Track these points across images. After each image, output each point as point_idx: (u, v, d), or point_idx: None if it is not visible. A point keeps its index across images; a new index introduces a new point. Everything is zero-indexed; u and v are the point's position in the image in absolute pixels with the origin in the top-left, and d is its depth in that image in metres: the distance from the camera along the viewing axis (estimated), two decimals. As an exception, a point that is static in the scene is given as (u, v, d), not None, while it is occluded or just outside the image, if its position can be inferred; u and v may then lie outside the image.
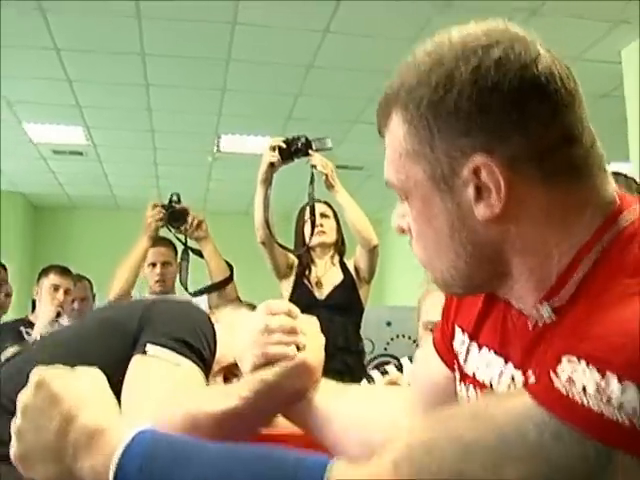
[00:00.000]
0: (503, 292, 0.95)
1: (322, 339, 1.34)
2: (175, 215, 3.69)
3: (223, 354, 1.62)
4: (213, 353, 1.56)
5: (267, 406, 1.27)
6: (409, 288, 7.44)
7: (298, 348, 1.27)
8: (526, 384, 0.81)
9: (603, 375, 0.68)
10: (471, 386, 1.04)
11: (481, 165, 0.85)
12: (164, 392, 1.36)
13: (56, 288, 3.94)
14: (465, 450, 0.74)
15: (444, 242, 0.91)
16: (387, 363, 5.72)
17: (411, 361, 2.34)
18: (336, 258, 3.80)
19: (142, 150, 7.96)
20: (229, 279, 3.79)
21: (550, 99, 0.85)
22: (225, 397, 1.24)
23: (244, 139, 7.68)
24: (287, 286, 3.76)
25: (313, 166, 3.43)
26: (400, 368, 2.37)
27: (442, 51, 0.88)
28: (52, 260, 9.47)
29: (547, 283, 0.88)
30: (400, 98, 0.90)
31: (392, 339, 5.82)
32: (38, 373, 0.95)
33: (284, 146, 3.36)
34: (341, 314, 3.67)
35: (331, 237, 3.76)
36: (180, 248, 3.84)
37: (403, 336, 5.80)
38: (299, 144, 3.35)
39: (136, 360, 1.47)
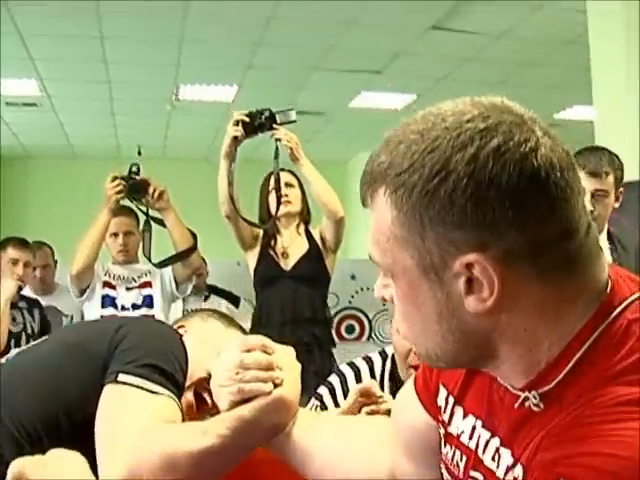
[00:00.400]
0: (489, 370, 0.93)
1: (298, 369, 1.32)
2: (136, 187, 3.63)
3: (194, 369, 1.60)
4: (185, 374, 1.54)
5: (245, 442, 1.25)
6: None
7: (275, 384, 1.25)
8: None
9: None
10: (458, 451, 1.02)
11: (474, 261, 0.81)
12: (140, 425, 1.33)
13: (15, 262, 3.84)
14: None
15: (431, 327, 0.88)
16: (352, 317, 5.80)
17: (381, 356, 2.33)
18: (301, 227, 3.76)
19: (99, 101, 7.83)
20: (193, 248, 3.76)
21: (549, 194, 0.80)
22: (203, 435, 1.22)
23: (203, 88, 7.57)
24: (253, 257, 3.72)
25: (277, 140, 3.37)
26: (370, 361, 2.35)
27: (435, 133, 0.82)
28: (9, 210, 9.39)
29: (535, 368, 0.86)
30: (389, 178, 0.85)
31: (357, 292, 5.84)
32: (16, 465, 0.92)
33: (247, 120, 3.30)
34: (307, 285, 3.66)
35: (296, 206, 3.71)
36: (142, 218, 3.79)
37: (367, 289, 5.81)
38: (263, 118, 3.29)
39: (108, 390, 1.44)
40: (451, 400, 1.05)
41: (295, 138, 3.41)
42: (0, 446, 1.43)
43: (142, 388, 1.42)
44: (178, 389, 1.48)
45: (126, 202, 3.75)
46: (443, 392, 1.08)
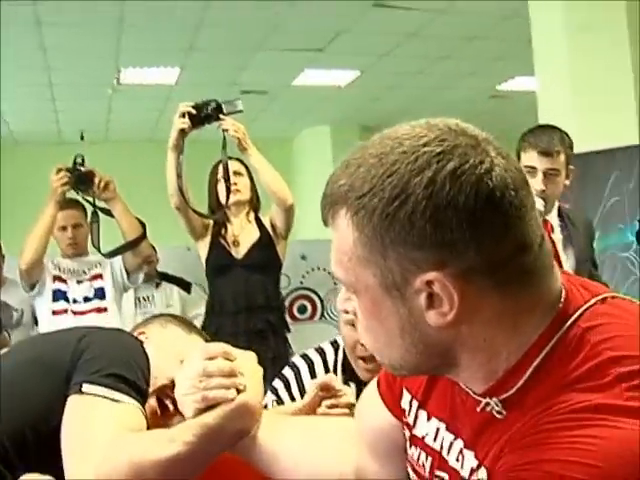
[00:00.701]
0: (451, 376, 0.97)
1: (260, 374, 1.34)
2: (81, 178, 3.60)
3: (156, 376, 1.62)
4: (148, 381, 1.56)
5: (211, 448, 1.28)
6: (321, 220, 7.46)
7: (238, 390, 1.27)
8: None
9: None
10: (423, 452, 1.06)
11: (434, 279, 0.84)
12: (107, 434, 1.34)
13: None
14: None
15: (395, 341, 0.91)
16: (304, 297, 5.83)
17: (333, 346, 2.37)
18: (251, 215, 3.78)
19: (38, 87, 7.67)
20: (142, 236, 3.76)
21: (504, 213, 0.84)
22: (169, 443, 1.24)
23: (145, 71, 7.47)
24: (204, 246, 3.73)
25: (225, 130, 3.37)
26: (322, 353, 2.38)
27: (393, 157, 0.85)
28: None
29: (494, 376, 0.90)
30: (349, 201, 0.87)
31: (307, 272, 5.85)
32: None
33: (194, 112, 3.29)
34: (260, 272, 3.69)
35: (245, 195, 3.72)
36: (89, 209, 3.76)
37: (318, 269, 5.83)
38: (209, 109, 3.28)
39: (73, 401, 1.45)
40: (415, 404, 1.09)
41: (242, 128, 3.41)
42: None
43: (107, 397, 1.43)
44: (142, 397, 1.50)
45: (72, 194, 3.72)
46: (407, 396, 1.11)
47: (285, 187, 3.57)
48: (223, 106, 3.32)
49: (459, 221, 0.82)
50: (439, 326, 0.87)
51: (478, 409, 0.93)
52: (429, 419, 1.05)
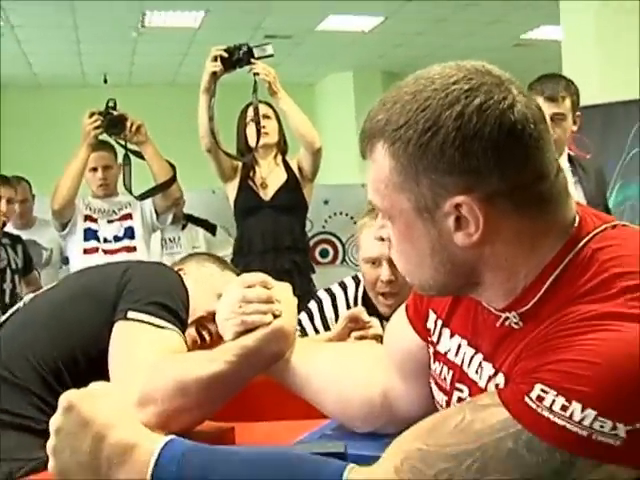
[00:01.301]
0: (475, 295, 1.07)
1: (295, 303, 1.45)
2: (113, 122, 3.68)
3: (194, 308, 1.72)
4: (187, 312, 1.66)
5: (249, 369, 1.39)
6: (345, 165, 7.51)
7: (274, 315, 1.38)
8: (499, 389, 0.95)
9: (569, 401, 0.83)
10: (445, 367, 1.17)
11: (462, 202, 0.94)
12: (153, 355, 1.45)
13: (-4, 199, 3.90)
14: (455, 459, 0.87)
15: (425, 260, 1.01)
16: (326, 241, 5.91)
17: (355, 281, 2.48)
18: (279, 158, 3.84)
19: (63, 29, 7.69)
20: (172, 179, 3.83)
21: (524, 144, 0.95)
22: (211, 362, 1.35)
23: (170, 14, 7.50)
24: (232, 188, 3.81)
25: (256, 74, 3.43)
26: (344, 287, 2.51)
27: (426, 94, 0.95)
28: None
29: (513, 293, 1.00)
30: (386, 134, 0.97)
31: (330, 217, 5.92)
32: (66, 398, 1.03)
33: (226, 55, 3.36)
34: (287, 214, 3.77)
35: (273, 138, 3.79)
36: (120, 152, 3.84)
37: (341, 213, 5.91)
38: (241, 53, 3.35)
39: (119, 326, 1.55)
40: (439, 323, 1.19)
41: (273, 72, 3.48)
42: (26, 380, 1.58)
43: (151, 324, 1.53)
44: (182, 325, 1.60)
45: (104, 137, 3.80)
46: (432, 316, 1.22)
47: (313, 130, 3.64)
48: (254, 50, 3.38)
49: (484, 150, 0.92)
50: (465, 246, 0.97)
51: (497, 324, 1.04)
52: (452, 336, 1.16)
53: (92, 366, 1.57)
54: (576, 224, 1.01)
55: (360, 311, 1.87)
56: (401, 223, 1.01)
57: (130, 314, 1.55)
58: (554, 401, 0.83)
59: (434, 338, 1.21)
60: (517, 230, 0.97)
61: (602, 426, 0.82)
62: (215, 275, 1.91)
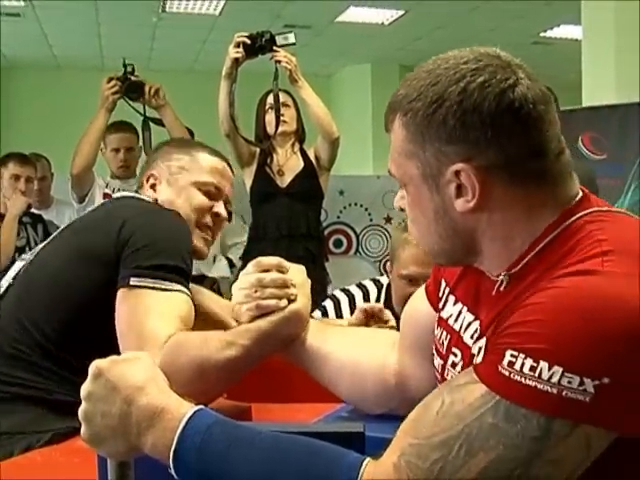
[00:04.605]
0: (477, 264, 1.13)
1: (309, 286, 1.48)
2: (132, 87, 3.66)
3: (185, 214, 1.77)
4: (191, 258, 1.65)
5: (264, 350, 1.45)
6: (360, 157, 7.51)
7: (289, 299, 1.41)
8: (474, 364, 0.98)
9: (536, 361, 0.87)
10: (444, 332, 1.22)
11: (461, 170, 1.02)
12: (161, 322, 1.47)
13: (17, 178, 3.89)
14: (444, 447, 0.90)
15: (432, 226, 1.09)
16: (341, 231, 5.92)
17: (376, 285, 2.48)
18: (296, 146, 3.88)
19: (83, 11, 7.71)
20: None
21: (521, 122, 1.02)
22: (229, 347, 1.41)
23: (190, 1, 7.51)
24: (249, 175, 3.85)
25: (277, 62, 3.47)
26: (364, 288, 2.50)
27: (439, 71, 1.05)
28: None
29: (509, 261, 1.07)
30: (402, 106, 1.07)
31: (345, 207, 5.91)
32: (95, 364, 1.05)
33: (248, 42, 3.39)
34: (302, 202, 3.81)
35: (292, 126, 3.82)
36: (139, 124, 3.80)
37: (356, 204, 5.89)
38: (263, 40, 3.38)
39: (123, 294, 1.54)
40: (447, 290, 1.26)
41: (294, 60, 3.51)
42: (30, 351, 1.60)
43: (154, 288, 1.53)
44: (187, 278, 1.59)
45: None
46: (443, 285, 1.28)
47: (332, 120, 3.68)
48: (276, 38, 3.41)
49: (482, 123, 1.00)
50: (464, 212, 1.04)
51: (493, 292, 1.09)
52: (455, 303, 1.21)
53: (93, 334, 1.58)
54: (576, 201, 1.06)
55: (380, 308, 1.89)
56: (412, 189, 1.10)
57: (133, 280, 1.54)
58: (523, 364, 0.88)
59: (441, 304, 1.26)
60: (512, 200, 1.04)
61: (570, 382, 0.86)
62: (186, 166, 1.84)
